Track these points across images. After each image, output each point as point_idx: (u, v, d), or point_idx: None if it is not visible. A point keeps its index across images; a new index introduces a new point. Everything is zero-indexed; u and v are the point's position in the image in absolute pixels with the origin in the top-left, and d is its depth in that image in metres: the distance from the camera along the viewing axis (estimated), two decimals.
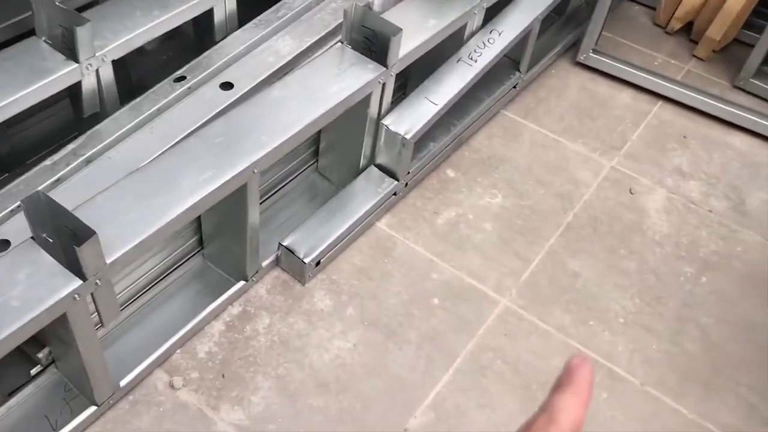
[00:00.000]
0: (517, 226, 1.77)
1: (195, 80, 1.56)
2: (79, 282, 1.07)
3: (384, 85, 1.56)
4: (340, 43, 1.56)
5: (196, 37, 1.84)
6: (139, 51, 1.99)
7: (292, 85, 1.44)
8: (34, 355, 1.33)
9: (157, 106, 1.49)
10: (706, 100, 2.11)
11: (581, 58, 2.23)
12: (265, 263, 1.57)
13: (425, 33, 1.61)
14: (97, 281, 1.09)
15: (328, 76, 1.47)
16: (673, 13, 2.40)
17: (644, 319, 1.60)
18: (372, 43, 1.51)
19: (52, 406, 1.33)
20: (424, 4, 1.70)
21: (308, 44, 1.67)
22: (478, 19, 1.79)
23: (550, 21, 2.34)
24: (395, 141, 1.63)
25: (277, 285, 1.58)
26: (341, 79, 1.47)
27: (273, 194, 1.74)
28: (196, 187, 1.22)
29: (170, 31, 1.98)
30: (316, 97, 1.42)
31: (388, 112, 1.64)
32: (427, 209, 1.78)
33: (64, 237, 1.05)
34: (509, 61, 2.04)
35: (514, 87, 2.05)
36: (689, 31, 2.41)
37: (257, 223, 1.43)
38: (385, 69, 1.51)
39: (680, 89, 2.14)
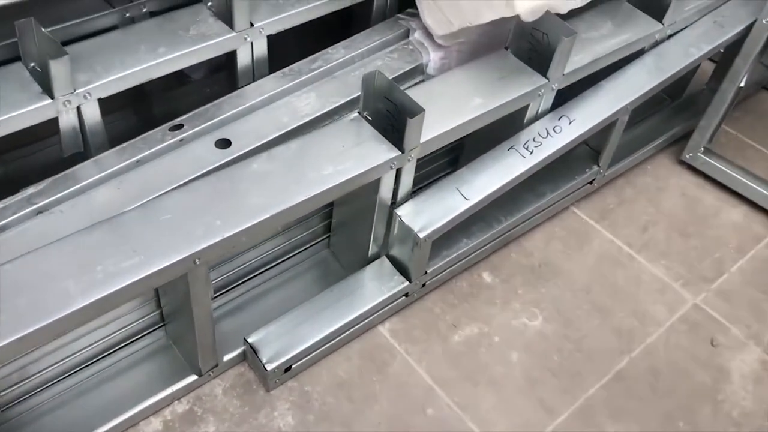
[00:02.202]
0: (553, 364, 1.41)
1: (192, 131, 1.36)
2: None
3: (399, 170, 1.28)
4: (357, 114, 1.29)
5: (229, 79, 1.65)
6: (182, 82, 1.85)
7: (279, 159, 1.20)
8: None
9: (137, 157, 1.30)
10: None
11: (687, 156, 1.83)
12: (228, 357, 1.32)
13: (464, 114, 1.32)
14: None
15: (328, 153, 1.21)
16: None
17: None
18: (394, 119, 1.24)
19: None
20: (482, 75, 1.40)
21: (334, 106, 1.42)
22: (544, 102, 1.46)
23: (657, 105, 1.96)
24: (408, 236, 1.34)
25: (239, 385, 1.33)
26: (343, 159, 1.21)
27: (277, 264, 1.50)
28: (113, 276, 1.00)
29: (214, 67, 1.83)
30: (303, 178, 1.17)
31: (406, 198, 1.36)
32: (445, 319, 1.47)
33: None
34: (589, 151, 1.69)
35: (590, 183, 1.70)
36: None
37: (208, 316, 1.19)
38: (400, 153, 1.23)
39: None
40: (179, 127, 1.38)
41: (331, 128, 1.27)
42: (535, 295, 1.53)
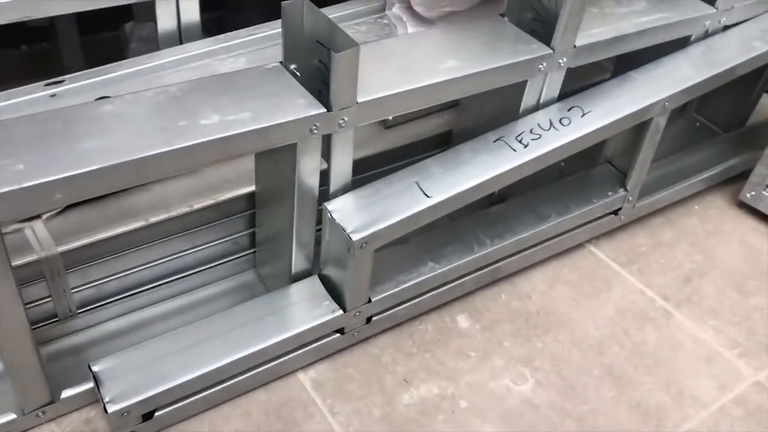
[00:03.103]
0: None
1: (70, 86, 1.04)
2: None
3: (328, 139, 0.91)
4: (278, 64, 0.94)
5: None
6: None
7: (146, 101, 0.84)
8: None
9: None
10: None
11: (747, 195, 1.40)
12: (68, 393, 0.93)
13: (427, 77, 0.95)
14: None
15: (218, 101, 0.86)
16: None
17: None
18: (329, 73, 0.88)
19: None
20: (465, 37, 1.05)
21: None
22: (549, 84, 1.08)
23: (710, 138, 1.55)
24: (340, 241, 0.95)
25: None
26: (237, 110, 0.85)
27: (183, 278, 1.13)
28: None
29: None
30: (171, 126, 0.81)
31: (344, 190, 0.98)
32: (395, 372, 1.05)
33: None
34: (614, 173, 1.29)
35: (615, 213, 1.29)
36: None
37: (17, 319, 0.81)
38: (324, 111, 0.87)
39: None
40: (59, 82, 1.07)
41: (236, 74, 0.92)
42: (526, 351, 1.10)
